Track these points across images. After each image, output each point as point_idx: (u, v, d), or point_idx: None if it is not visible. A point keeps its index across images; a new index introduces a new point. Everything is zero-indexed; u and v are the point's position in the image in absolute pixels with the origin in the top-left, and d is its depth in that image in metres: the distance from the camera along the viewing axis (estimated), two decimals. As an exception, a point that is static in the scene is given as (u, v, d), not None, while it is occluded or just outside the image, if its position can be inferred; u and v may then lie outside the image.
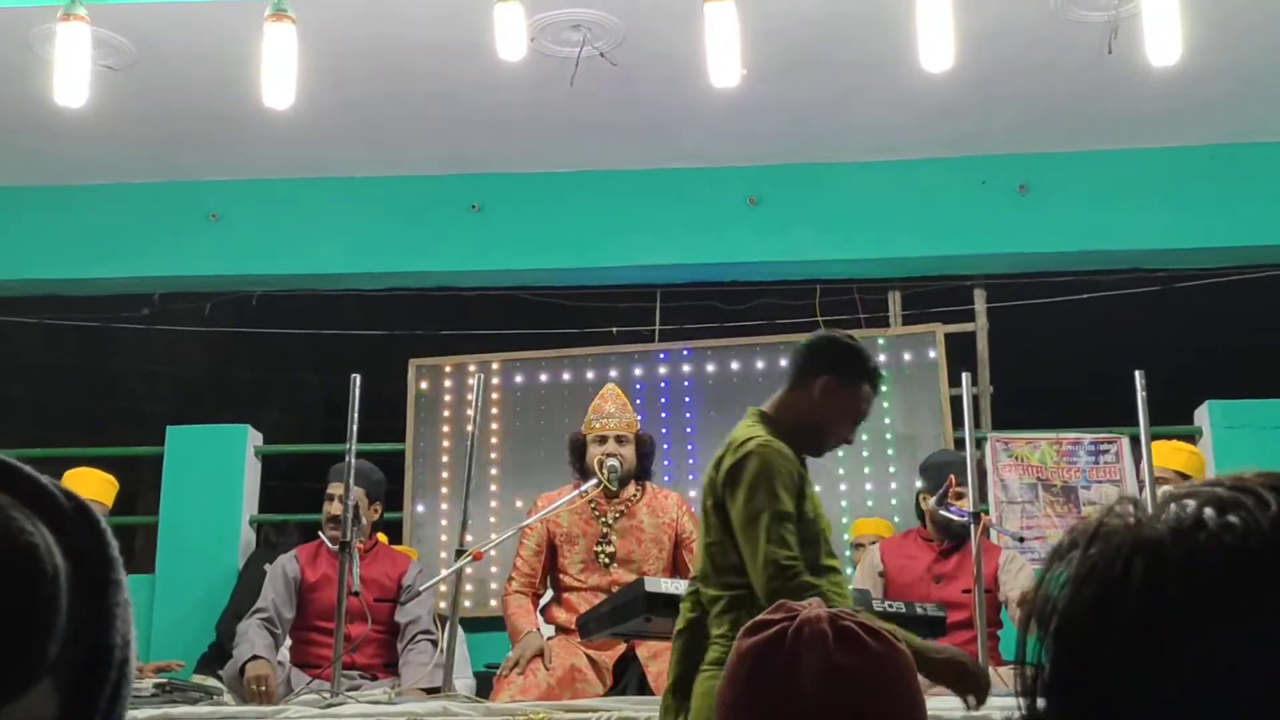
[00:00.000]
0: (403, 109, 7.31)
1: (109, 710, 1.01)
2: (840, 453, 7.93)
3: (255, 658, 5.65)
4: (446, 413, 8.23)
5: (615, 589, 5.30)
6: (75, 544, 0.98)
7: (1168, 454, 5.82)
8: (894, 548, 6.15)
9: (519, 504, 7.82)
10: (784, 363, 7.90)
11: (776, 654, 1.76)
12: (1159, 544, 0.92)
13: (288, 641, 6.14)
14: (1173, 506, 0.96)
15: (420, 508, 8.09)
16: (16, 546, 0.93)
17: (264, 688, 5.54)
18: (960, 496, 5.68)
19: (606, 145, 7.73)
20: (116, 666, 1.01)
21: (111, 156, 7.75)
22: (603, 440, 5.61)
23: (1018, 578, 5.77)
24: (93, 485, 6.47)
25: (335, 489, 6.00)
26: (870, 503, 7.82)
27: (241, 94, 6.51)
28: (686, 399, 8.17)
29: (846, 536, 7.65)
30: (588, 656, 5.31)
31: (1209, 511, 0.93)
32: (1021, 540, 6.43)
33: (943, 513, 5.78)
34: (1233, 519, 0.92)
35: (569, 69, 6.57)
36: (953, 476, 5.89)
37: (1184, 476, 5.81)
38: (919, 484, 6.47)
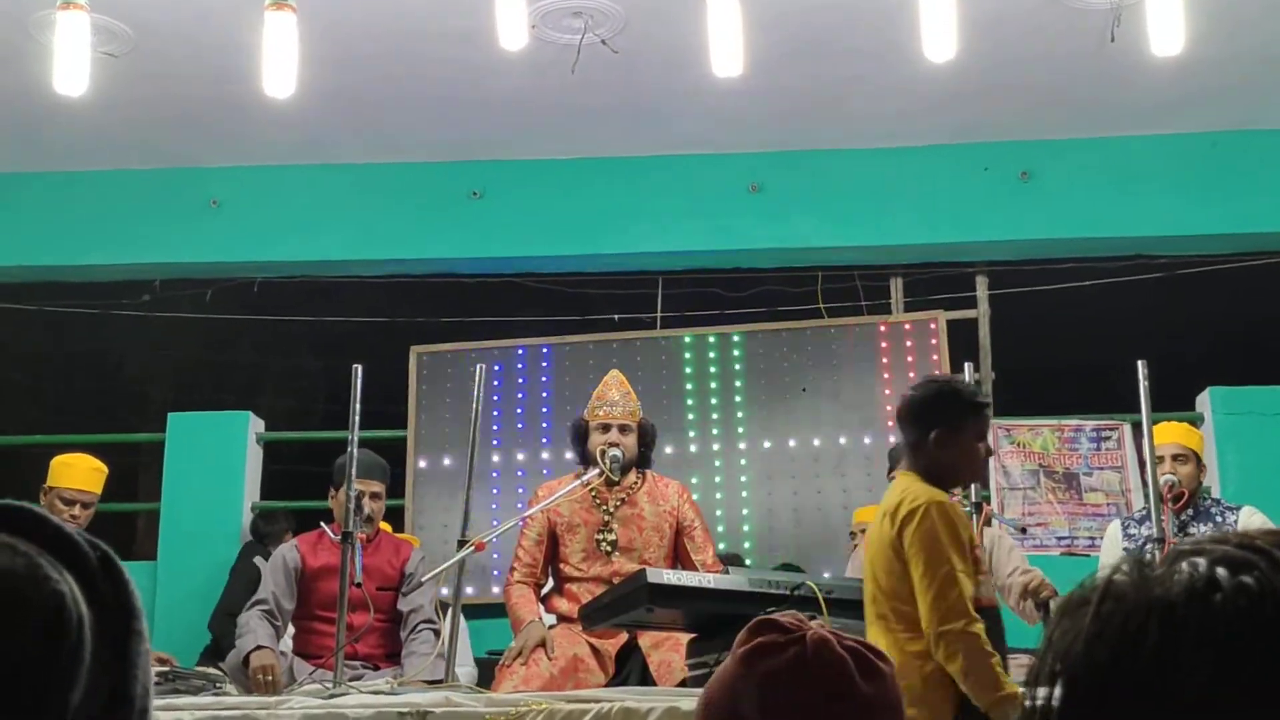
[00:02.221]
0: (404, 96, 7.30)
1: None
2: (842, 440, 7.96)
3: (260, 648, 5.64)
4: (448, 400, 8.23)
5: (616, 578, 5.29)
6: (99, 594, 0.99)
7: (1167, 431, 5.82)
8: None
9: (520, 492, 7.83)
10: (797, 356, 8.02)
11: (800, 680, 1.74)
12: (1172, 606, 0.92)
13: (290, 631, 6.14)
14: (1184, 565, 0.95)
15: (422, 495, 8.09)
16: (43, 595, 0.94)
17: (269, 677, 5.54)
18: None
19: (608, 132, 7.72)
20: (137, 715, 1.02)
21: (112, 143, 7.74)
22: (606, 428, 5.60)
23: (1010, 559, 5.76)
24: (80, 472, 6.44)
25: (366, 485, 5.80)
26: (870, 491, 7.82)
27: (242, 80, 6.50)
28: (688, 386, 8.17)
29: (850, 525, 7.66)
30: (590, 646, 5.31)
31: (1221, 572, 0.92)
32: (1024, 531, 6.43)
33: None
34: (1247, 580, 0.91)
35: (570, 56, 6.56)
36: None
37: (1185, 450, 5.80)
38: None
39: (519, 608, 5.47)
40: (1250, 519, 5.65)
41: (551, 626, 5.47)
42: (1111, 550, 5.93)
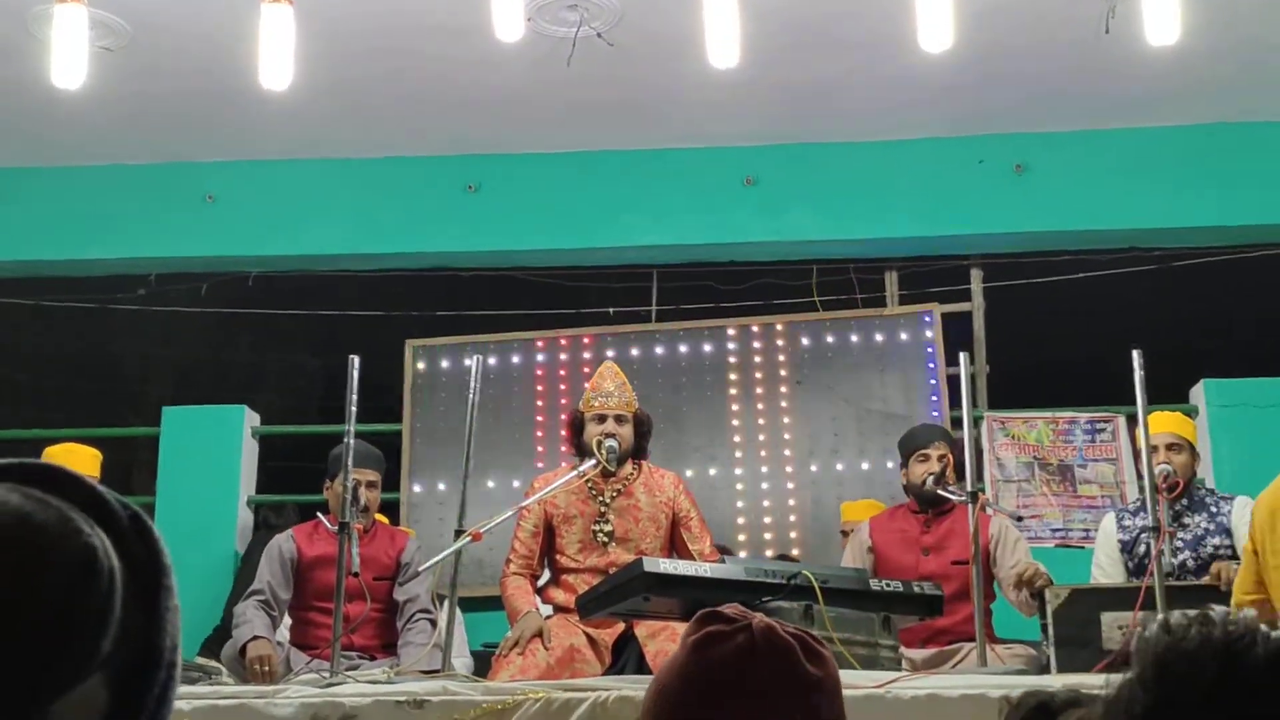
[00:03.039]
0: (400, 90, 7.31)
1: (156, 710, 1.03)
2: (835, 434, 7.98)
3: (256, 638, 5.65)
4: (443, 393, 8.24)
5: (613, 569, 5.30)
6: (130, 549, 1.01)
7: (1161, 420, 5.83)
8: (882, 523, 6.15)
9: (516, 484, 7.83)
10: (792, 349, 8.06)
11: (749, 663, 1.83)
12: None
13: (287, 621, 6.14)
14: None
15: (417, 488, 8.10)
16: (76, 547, 0.97)
17: (266, 667, 5.55)
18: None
19: (603, 126, 7.73)
20: (165, 668, 1.04)
21: (108, 138, 7.75)
22: (602, 419, 5.60)
23: (1014, 551, 5.77)
24: (84, 459, 6.46)
25: (362, 474, 5.86)
26: (865, 483, 7.84)
27: (238, 75, 6.52)
28: (683, 379, 8.18)
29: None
30: (586, 635, 5.32)
31: None
32: (1020, 520, 6.44)
33: (941, 492, 5.80)
34: None
35: (566, 49, 6.57)
36: (949, 456, 5.91)
37: (1179, 439, 5.81)
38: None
39: (515, 599, 5.48)
40: (1244, 508, 5.65)
41: (548, 617, 5.48)
42: (1105, 543, 5.93)
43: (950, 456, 5.92)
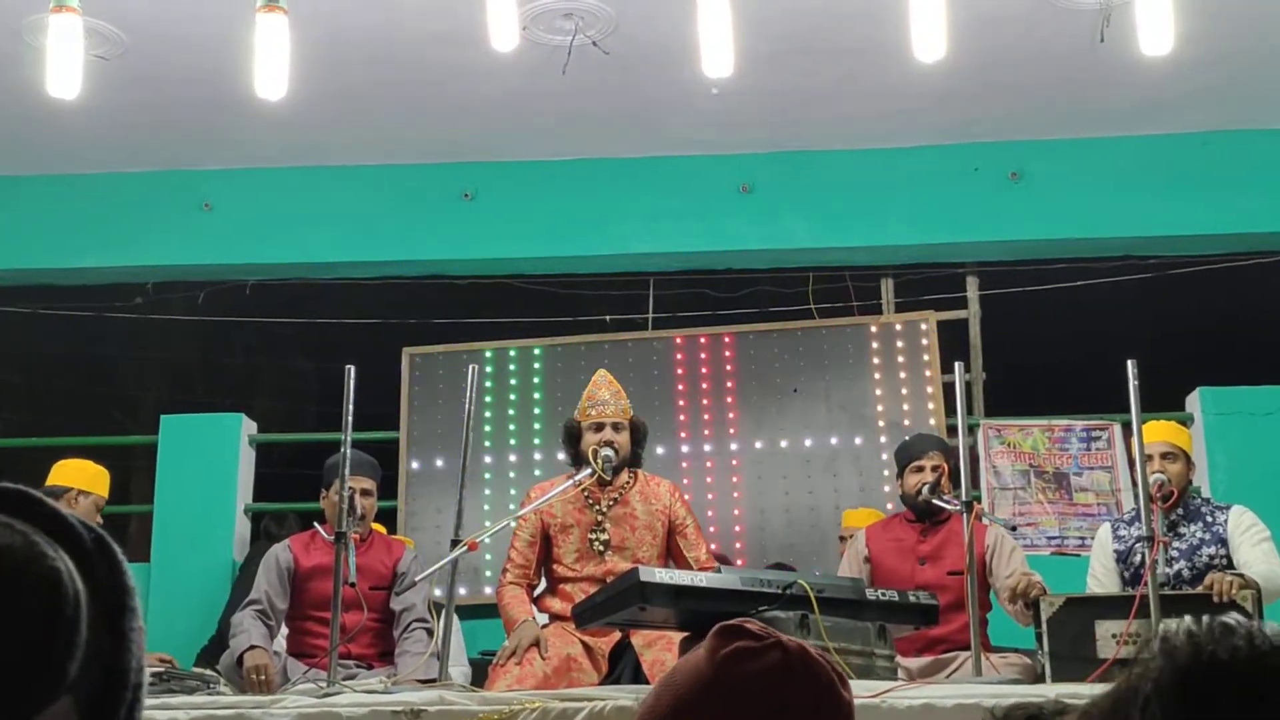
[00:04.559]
0: (395, 98, 7.31)
1: None
2: (833, 440, 7.98)
3: (253, 647, 5.66)
4: (440, 401, 8.24)
5: (610, 577, 5.31)
6: (94, 572, 1.02)
7: (1155, 429, 5.82)
8: (878, 532, 6.16)
9: (513, 492, 7.84)
10: (788, 356, 8.07)
11: (788, 684, 1.77)
12: None
13: (284, 630, 6.15)
14: None
15: (414, 496, 8.09)
16: (40, 571, 0.98)
17: (263, 677, 5.56)
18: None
19: (599, 133, 7.74)
20: (131, 689, 1.05)
21: (104, 146, 7.75)
22: (599, 428, 5.60)
23: (1010, 561, 5.77)
24: (86, 476, 6.47)
25: (358, 482, 5.78)
26: (862, 491, 7.84)
27: (233, 83, 6.52)
28: (679, 387, 8.19)
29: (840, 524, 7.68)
30: (583, 645, 5.33)
31: None
32: (1014, 529, 6.44)
33: (935, 501, 5.80)
34: None
35: (561, 57, 6.58)
36: (944, 466, 5.91)
37: (1174, 448, 5.80)
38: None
39: (512, 608, 5.49)
40: (1240, 518, 5.66)
41: (544, 625, 5.48)
42: (1101, 554, 5.93)
43: (945, 466, 5.93)
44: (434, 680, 5.00)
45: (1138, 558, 5.48)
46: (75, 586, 0.98)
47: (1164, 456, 5.72)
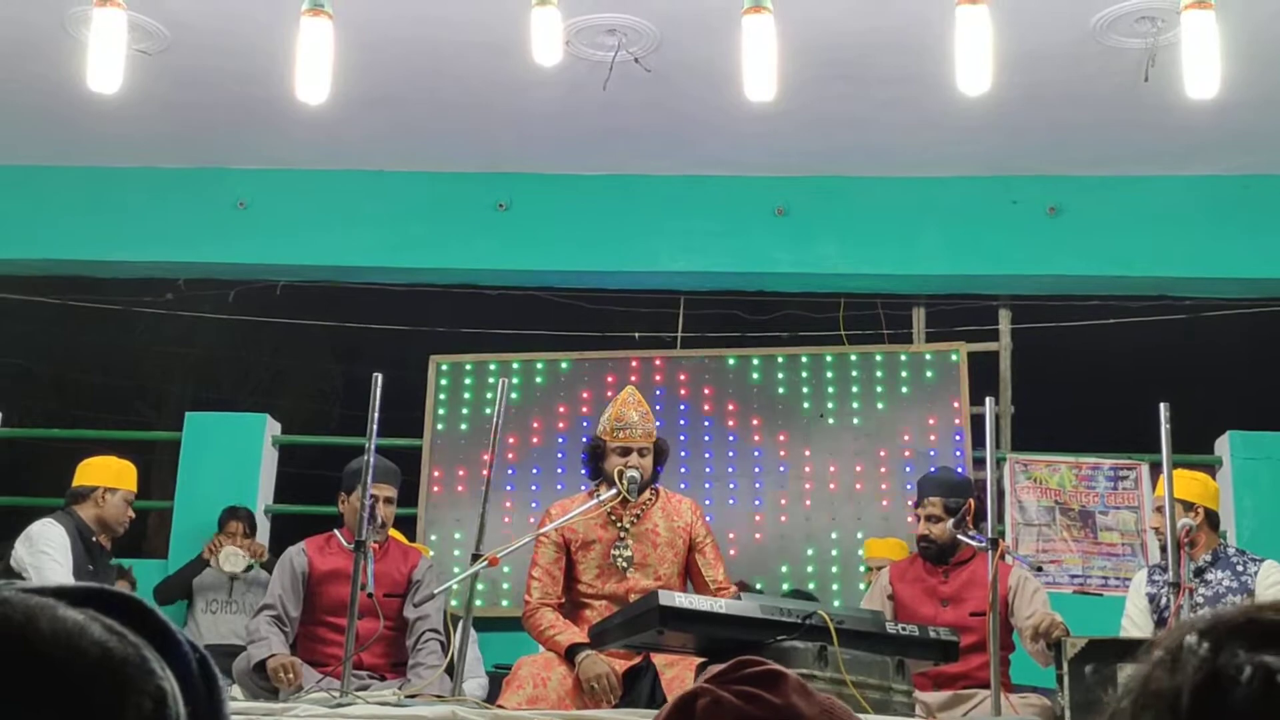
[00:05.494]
0: (436, 106, 7.30)
1: None
2: (858, 467, 7.94)
3: (274, 656, 5.63)
4: (465, 410, 8.23)
5: (632, 595, 5.27)
6: (195, 694, 1.01)
7: (1183, 484, 5.75)
8: (902, 571, 6.10)
9: (534, 506, 7.81)
10: (817, 381, 8.03)
11: None
12: None
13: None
14: None
15: (434, 505, 8.08)
16: (150, 690, 0.96)
17: (291, 674, 5.52)
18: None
19: (636, 150, 7.72)
20: None
21: (141, 141, 7.76)
22: (625, 451, 5.54)
23: (1032, 602, 5.71)
24: (111, 472, 6.46)
25: (379, 490, 5.78)
26: (885, 520, 7.80)
27: (274, 84, 6.52)
28: (705, 407, 8.16)
29: (861, 553, 7.64)
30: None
31: None
32: (1040, 570, 6.38)
33: (961, 537, 5.74)
34: None
35: (603, 73, 6.57)
36: (971, 501, 5.84)
37: (1189, 505, 5.75)
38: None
39: (554, 629, 5.37)
40: (1271, 573, 5.62)
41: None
42: (1136, 597, 5.93)
43: (944, 512, 5.82)
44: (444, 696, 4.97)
45: (1164, 601, 5.45)
46: (178, 710, 0.97)
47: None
